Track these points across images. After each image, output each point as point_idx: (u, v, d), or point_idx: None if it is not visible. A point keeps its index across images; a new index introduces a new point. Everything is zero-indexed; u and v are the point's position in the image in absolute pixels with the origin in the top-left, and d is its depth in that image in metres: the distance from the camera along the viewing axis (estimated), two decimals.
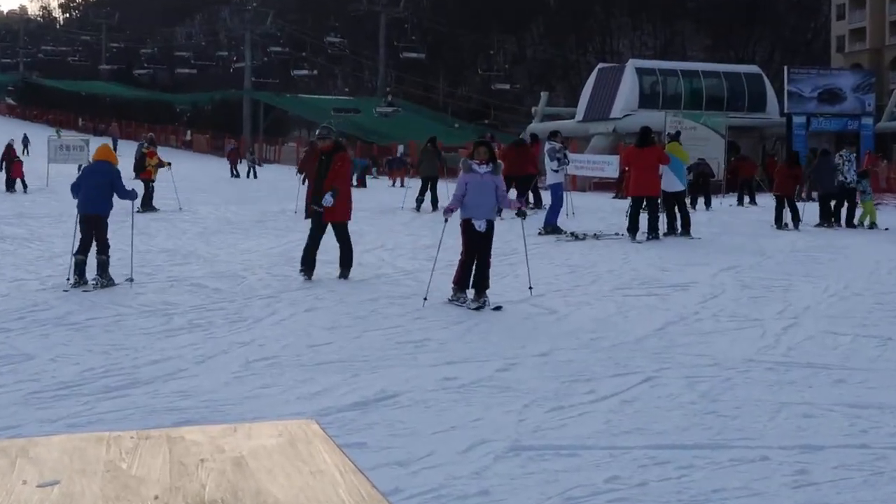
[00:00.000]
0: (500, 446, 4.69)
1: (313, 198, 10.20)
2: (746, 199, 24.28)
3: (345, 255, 10.33)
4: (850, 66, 55.58)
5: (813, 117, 33.66)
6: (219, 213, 18.54)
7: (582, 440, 4.85)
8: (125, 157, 18.04)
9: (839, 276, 11.08)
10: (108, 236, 9.79)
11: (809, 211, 18.22)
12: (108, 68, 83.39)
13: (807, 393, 5.87)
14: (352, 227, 10.68)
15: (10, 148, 24.52)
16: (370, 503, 1.42)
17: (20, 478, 1.47)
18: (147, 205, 18.00)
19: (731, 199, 25.22)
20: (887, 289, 10.25)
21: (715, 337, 7.59)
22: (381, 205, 20.81)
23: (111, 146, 11.51)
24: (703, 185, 22.78)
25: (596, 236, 14.69)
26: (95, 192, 9.68)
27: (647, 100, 35.90)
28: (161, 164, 19.11)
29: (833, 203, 18.32)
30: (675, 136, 16.40)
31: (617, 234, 14.86)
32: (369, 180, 34.25)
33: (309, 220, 10.37)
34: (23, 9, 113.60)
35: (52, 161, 25.79)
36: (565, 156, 15.94)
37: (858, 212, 18.38)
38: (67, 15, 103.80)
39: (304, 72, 67.54)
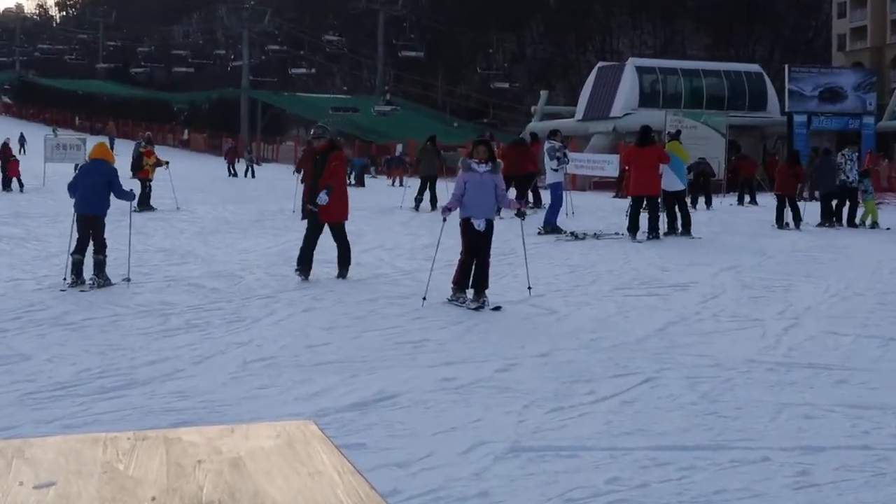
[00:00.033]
0: (500, 447, 4.67)
1: (309, 197, 10.20)
2: (747, 198, 24.28)
3: (342, 255, 10.32)
4: (851, 64, 55.60)
5: (814, 116, 33.71)
6: (216, 213, 18.52)
7: (582, 441, 4.83)
8: (122, 157, 18.05)
9: (840, 275, 11.06)
10: (105, 236, 9.77)
11: (810, 210, 18.20)
12: (105, 67, 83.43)
13: (808, 394, 5.85)
14: (350, 226, 10.67)
15: (6, 147, 24.50)
16: None
17: (16, 479, 1.46)
18: (144, 204, 17.99)
19: (732, 198, 25.23)
20: (889, 289, 10.23)
21: (716, 337, 7.57)
22: (379, 204, 20.79)
23: (108, 145, 11.50)
24: (703, 184, 22.79)
25: (596, 236, 14.66)
26: (92, 192, 9.65)
27: (648, 99, 35.94)
28: (159, 164, 19.08)
29: (834, 202, 18.32)
30: (676, 136, 16.38)
31: (617, 233, 14.84)
32: (368, 179, 34.27)
33: (305, 221, 10.36)
34: (19, 7, 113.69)
35: (48, 160, 25.80)
36: (565, 155, 15.92)
37: (860, 211, 18.38)
38: (64, 13, 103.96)
39: (302, 70, 67.65)
